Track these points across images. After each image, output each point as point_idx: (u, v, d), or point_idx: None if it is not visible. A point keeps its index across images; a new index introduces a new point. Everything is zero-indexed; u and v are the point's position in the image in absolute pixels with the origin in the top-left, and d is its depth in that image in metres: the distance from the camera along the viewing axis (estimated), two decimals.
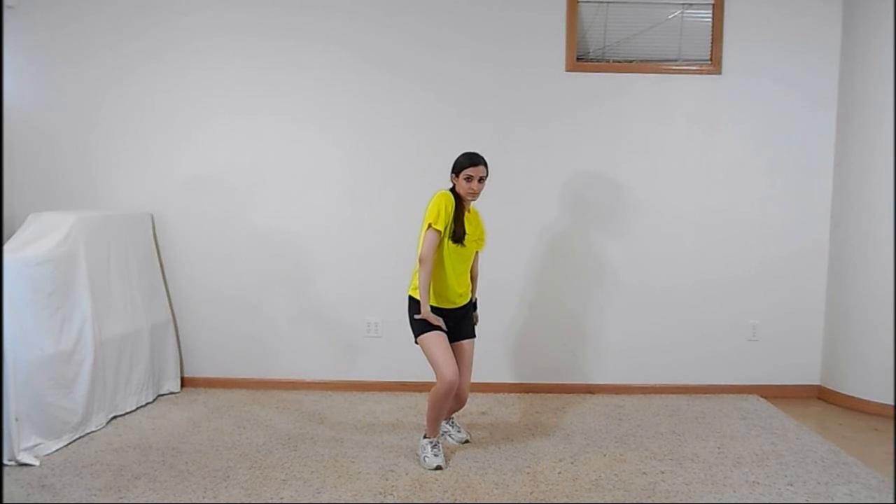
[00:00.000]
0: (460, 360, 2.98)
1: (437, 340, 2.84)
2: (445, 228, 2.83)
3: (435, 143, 3.85)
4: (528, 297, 3.98)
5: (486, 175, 2.92)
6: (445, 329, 2.88)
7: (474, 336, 3.11)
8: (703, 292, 3.98)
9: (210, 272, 3.98)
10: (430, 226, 2.81)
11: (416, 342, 2.92)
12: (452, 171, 2.92)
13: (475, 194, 2.91)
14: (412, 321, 2.91)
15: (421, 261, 2.82)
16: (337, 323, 3.99)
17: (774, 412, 3.66)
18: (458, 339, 3.01)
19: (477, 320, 3.18)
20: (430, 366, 2.86)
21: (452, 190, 2.94)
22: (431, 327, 2.85)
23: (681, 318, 3.99)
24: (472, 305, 3.12)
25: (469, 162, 2.87)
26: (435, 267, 2.86)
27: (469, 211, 2.99)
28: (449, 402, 2.88)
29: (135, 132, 3.94)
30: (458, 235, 2.88)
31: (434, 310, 2.88)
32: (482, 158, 2.90)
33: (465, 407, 3.58)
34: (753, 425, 3.44)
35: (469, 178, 2.87)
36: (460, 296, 2.97)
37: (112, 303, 3.48)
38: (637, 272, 3.96)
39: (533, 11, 3.85)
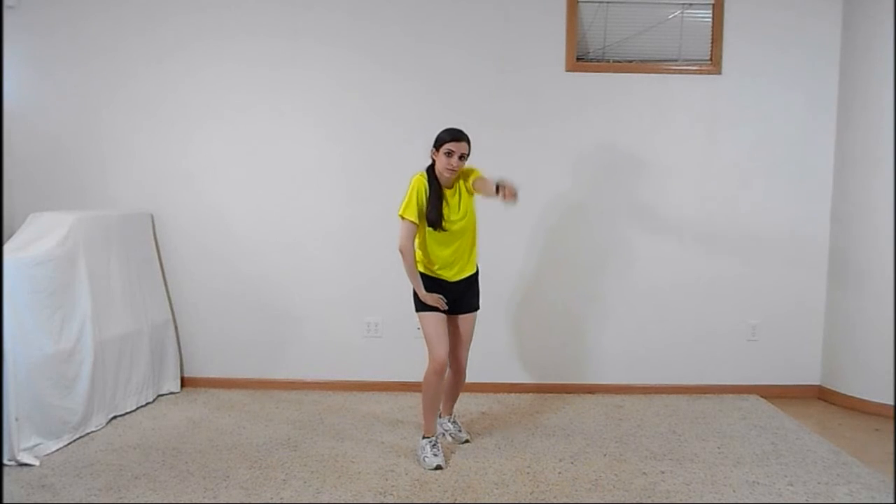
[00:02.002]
0: (459, 334, 2.98)
1: (432, 321, 2.85)
2: (420, 215, 2.77)
3: None
4: (528, 298, 3.98)
5: (469, 153, 2.80)
6: (445, 307, 2.86)
7: (477, 309, 3.04)
8: (702, 292, 3.97)
9: (210, 272, 3.98)
10: (401, 217, 2.78)
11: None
12: (433, 146, 2.80)
13: (453, 171, 2.77)
14: (414, 294, 2.90)
15: (400, 252, 2.79)
16: (337, 323, 3.99)
17: (774, 412, 3.66)
18: (458, 313, 2.97)
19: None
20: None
21: (431, 168, 2.84)
22: (430, 307, 2.85)
23: (681, 317, 3.99)
24: (475, 277, 3.01)
25: (451, 136, 2.74)
26: (421, 249, 2.86)
27: (451, 187, 2.84)
28: (440, 383, 2.89)
29: (135, 131, 3.93)
30: (431, 221, 2.76)
31: (433, 281, 2.87)
32: (465, 135, 2.78)
33: (465, 406, 3.60)
34: (753, 425, 3.44)
35: (449, 154, 2.74)
36: (458, 272, 2.91)
37: (112, 303, 3.48)
38: (637, 272, 3.96)
39: (533, 11, 3.84)
